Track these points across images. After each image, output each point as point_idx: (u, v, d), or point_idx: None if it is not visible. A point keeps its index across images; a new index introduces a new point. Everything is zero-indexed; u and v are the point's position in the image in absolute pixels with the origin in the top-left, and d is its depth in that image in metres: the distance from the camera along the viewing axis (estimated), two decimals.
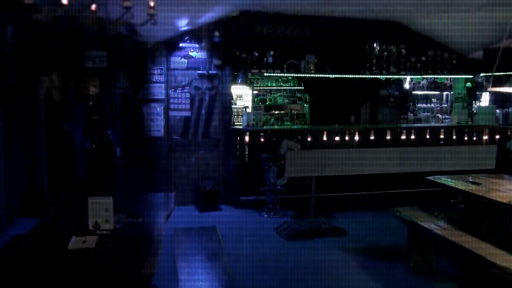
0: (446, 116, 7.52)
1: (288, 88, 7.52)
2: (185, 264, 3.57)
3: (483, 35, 6.63)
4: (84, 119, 6.42)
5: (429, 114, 7.48)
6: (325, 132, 6.53)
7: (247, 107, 6.80)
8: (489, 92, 7.31)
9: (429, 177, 4.34)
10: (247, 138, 6.38)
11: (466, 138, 7.05)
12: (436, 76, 7.47)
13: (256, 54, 6.60)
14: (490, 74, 5.66)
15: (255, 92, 7.12)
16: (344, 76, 6.97)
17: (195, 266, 3.57)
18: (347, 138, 6.61)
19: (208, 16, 6.18)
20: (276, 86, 7.40)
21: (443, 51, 7.30)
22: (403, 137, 6.82)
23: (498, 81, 6.06)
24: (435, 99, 7.87)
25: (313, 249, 4.89)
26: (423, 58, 7.21)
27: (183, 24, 6.17)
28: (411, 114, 7.46)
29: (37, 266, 2.35)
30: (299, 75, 6.94)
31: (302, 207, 6.05)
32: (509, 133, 6.88)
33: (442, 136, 6.99)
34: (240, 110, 6.80)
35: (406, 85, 7.67)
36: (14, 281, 2.19)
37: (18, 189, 5.66)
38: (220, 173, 6.71)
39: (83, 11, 5.16)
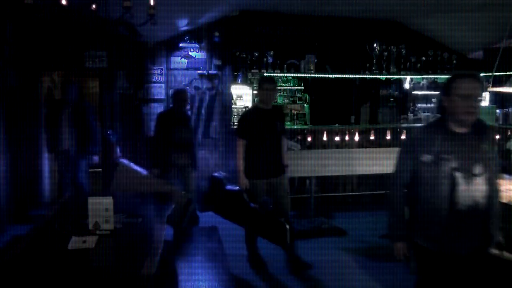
0: None
1: (288, 88, 7.51)
2: (185, 264, 3.57)
3: (483, 35, 6.63)
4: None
5: (429, 114, 7.46)
6: (325, 132, 6.53)
7: (247, 107, 6.79)
8: (489, 92, 7.29)
9: None
10: None
11: None
12: (436, 76, 7.45)
13: (256, 54, 6.59)
14: (490, 74, 5.65)
15: (255, 92, 7.11)
16: (344, 76, 6.96)
17: (195, 266, 3.56)
18: (347, 138, 6.60)
19: (208, 16, 6.18)
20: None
21: (443, 51, 7.30)
22: (403, 137, 6.82)
23: (498, 81, 6.04)
24: (435, 99, 7.87)
25: (313, 249, 4.89)
26: (423, 58, 7.20)
27: (183, 24, 6.17)
28: (411, 114, 7.45)
29: (37, 266, 2.35)
30: (299, 75, 6.94)
31: (302, 207, 6.04)
32: (509, 133, 6.87)
33: None
34: (240, 110, 6.79)
35: (406, 85, 7.66)
36: (14, 281, 2.19)
37: (18, 190, 5.66)
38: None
39: (83, 11, 5.15)
